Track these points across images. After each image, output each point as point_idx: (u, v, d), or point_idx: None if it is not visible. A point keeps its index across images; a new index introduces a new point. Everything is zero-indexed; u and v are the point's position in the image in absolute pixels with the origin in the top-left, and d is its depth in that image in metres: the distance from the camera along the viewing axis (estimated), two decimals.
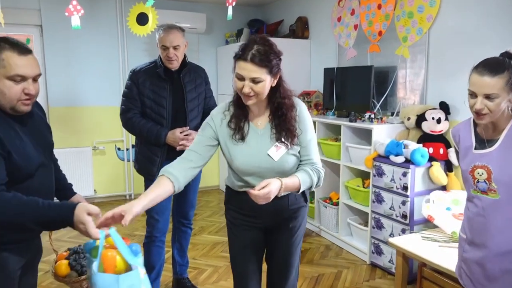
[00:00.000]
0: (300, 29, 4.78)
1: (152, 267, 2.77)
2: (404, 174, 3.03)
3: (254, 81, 1.63)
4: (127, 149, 5.21)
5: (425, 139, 3.19)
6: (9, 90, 1.40)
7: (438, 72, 3.32)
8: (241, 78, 1.64)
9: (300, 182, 1.70)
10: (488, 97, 1.57)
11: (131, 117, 2.64)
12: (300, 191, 1.74)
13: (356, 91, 3.82)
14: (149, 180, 2.72)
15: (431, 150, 3.12)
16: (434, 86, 3.36)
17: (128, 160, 5.24)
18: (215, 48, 5.54)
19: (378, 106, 3.69)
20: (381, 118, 3.51)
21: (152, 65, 2.66)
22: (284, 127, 1.74)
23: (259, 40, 1.65)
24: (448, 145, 3.16)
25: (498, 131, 1.67)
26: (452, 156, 3.10)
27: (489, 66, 1.58)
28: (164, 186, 1.64)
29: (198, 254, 3.69)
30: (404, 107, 3.52)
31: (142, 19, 3.37)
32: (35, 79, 1.46)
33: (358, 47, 4.06)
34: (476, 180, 1.69)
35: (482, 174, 1.67)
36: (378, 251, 3.34)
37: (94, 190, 5.09)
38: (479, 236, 1.71)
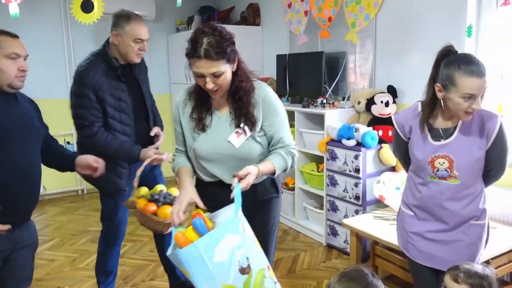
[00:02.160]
0: (252, 16, 4.76)
1: (112, 272, 2.63)
2: (356, 157, 3.12)
3: (215, 75, 1.57)
4: (77, 143, 5.01)
5: (375, 122, 3.30)
6: (8, 68, 1.65)
7: (385, 57, 3.42)
8: (200, 75, 1.58)
9: (274, 167, 1.70)
10: (482, 97, 1.65)
11: (96, 132, 2.20)
12: (276, 175, 1.74)
13: (308, 77, 3.87)
14: (113, 195, 2.39)
15: (380, 132, 3.23)
16: (382, 71, 3.47)
17: None
18: (166, 36, 5.42)
19: (329, 91, 3.76)
20: (333, 103, 3.58)
21: (101, 62, 2.23)
22: (242, 112, 1.69)
23: (207, 31, 1.56)
24: None
25: (451, 121, 1.76)
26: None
27: (479, 67, 1.62)
28: (191, 173, 1.81)
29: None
30: (355, 91, 3.61)
31: (87, 6, 3.23)
32: (25, 59, 1.73)
33: (309, 33, 4.11)
34: (436, 169, 1.78)
35: (444, 163, 1.76)
36: (333, 233, 3.43)
37: (43, 187, 4.87)
38: (433, 215, 1.83)
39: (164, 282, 3.03)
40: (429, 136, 1.79)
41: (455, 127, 1.75)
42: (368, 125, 3.30)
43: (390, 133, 3.26)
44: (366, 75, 3.59)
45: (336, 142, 3.29)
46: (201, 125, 1.71)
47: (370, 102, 3.30)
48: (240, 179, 1.56)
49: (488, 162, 1.76)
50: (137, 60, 2.29)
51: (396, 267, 2.46)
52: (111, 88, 2.21)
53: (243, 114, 1.69)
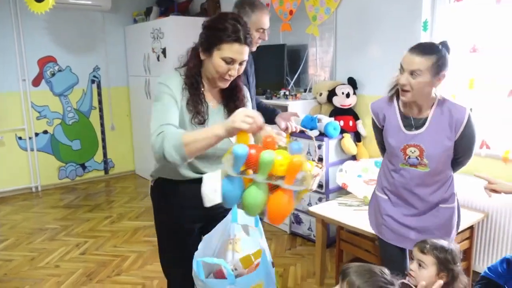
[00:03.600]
0: (212, 8, 4.73)
1: None
2: (319, 147, 3.22)
3: (241, 63, 1.55)
4: (29, 138, 4.80)
5: (336, 112, 3.40)
6: None
7: (345, 49, 3.53)
8: (231, 61, 1.52)
9: None
10: (412, 73, 1.72)
11: None
12: None
13: (270, 70, 3.92)
14: None
15: (341, 123, 3.34)
16: (342, 63, 3.58)
17: (32, 150, 4.83)
18: (123, 28, 5.27)
19: (292, 83, 3.83)
20: (295, 95, 3.65)
21: None
22: (235, 105, 1.66)
23: (239, 19, 1.54)
24: (356, 118, 3.40)
25: (422, 112, 1.85)
26: (361, 128, 3.36)
27: (421, 47, 1.75)
28: None
29: (119, 241, 3.57)
30: (316, 83, 3.70)
31: None
32: None
33: (270, 26, 4.14)
34: (407, 157, 1.88)
35: (414, 151, 1.86)
36: (297, 221, 3.52)
37: None
38: (404, 200, 1.95)
39: (130, 276, 2.99)
40: (401, 125, 1.88)
41: (426, 118, 1.84)
42: (330, 116, 3.40)
43: (351, 123, 3.38)
44: (327, 67, 3.69)
45: (299, 132, 3.37)
46: (199, 118, 1.59)
47: (332, 93, 3.40)
48: None
49: (457, 151, 1.87)
50: (254, 49, 2.17)
51: (361, 250, 2.57)
52: None
53: (234, 109, 1.62)
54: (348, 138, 3.28)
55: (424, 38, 2.91)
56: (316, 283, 2.84)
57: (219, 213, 1.66)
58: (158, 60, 4.60)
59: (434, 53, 1.71)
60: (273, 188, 1.32)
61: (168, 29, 4.42)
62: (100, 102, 5.21)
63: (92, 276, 3.00)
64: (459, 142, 1.83)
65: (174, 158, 1.38)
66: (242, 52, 1.52)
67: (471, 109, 1.81)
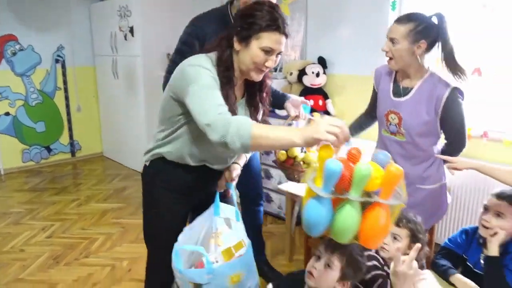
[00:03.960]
0: None
1: None
2: (289, 126, 3.22)
3: (277, 55, 1.49)
4: None
5: (306, 92, 3.41)
6: None
7: (316, 29, 3.53)
8: (270, 51, 1.45)
9: (246, 158, 1.85)
10: (392, 41, 1.79)
11: None
12: None
13: None
14: None
15: (311, 102, 3.35)
16: (312, 43, 3.58)
17: None
18: (88, 5, 5.08)
19: None
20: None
21: (217, 15, 2.09)
22: (260, 101, 1.65)
23: (277, 8, 1.47)
24: (326, 97, 3.43)
25: (411, 82, 1.88)
26: (330, 107, 3.38)
27: (403, 16, 1.81)
28: None
29: (87, 224, 3.50)
30: (286, 63, 3.69)
31: None
32: None
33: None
34: (389, 123, 1.94)
35: (394, 119, 1.91)
36: (268, 200, 3.54)
37: None
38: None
39: (99, 258, 2.95)
40: (391, 91, 1.94)
41: (413, 88, 1.88)
42: (300, 95, 3.40)
43: (320, 102, 3.40)
44: (298, 46, 3.68)
45: (270, 112, 3.35)
46: (232, 110, 1.47)
47: (302, 73, 3.40)
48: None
49: (445, 133, 1.91)
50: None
51: None
52: None
53: (256, 104, 1.64)
54: (318, 117, 3.29)
55: (393, 18, 2.93)
56: (285, 259, 2.88)
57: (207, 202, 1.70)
58: (126, 39, 4.47)
59: (411, 21, 1.76)
60: (364, 207, 1.15)
61: (136, 7, 4.29)
62: (65, 82, 5.03)
63: (59, 259, 2.94)
64: (444, 122, 1.85)
65: (234, 145, 1.27)
66: (281, 42, 1.45)
67: (456, 88, 1.81)
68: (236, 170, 1.74)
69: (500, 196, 1.66)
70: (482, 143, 2.61)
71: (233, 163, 1.74)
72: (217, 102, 1.36)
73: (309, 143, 1.17)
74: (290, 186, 2.81)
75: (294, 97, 2.28)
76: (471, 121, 2.65)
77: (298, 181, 2.24)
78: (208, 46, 1.58)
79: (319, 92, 3.41)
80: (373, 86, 2.09)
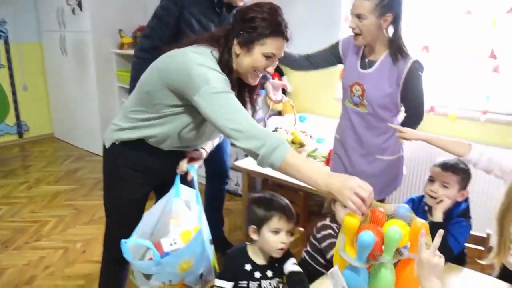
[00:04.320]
0: None
1: None
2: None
3: (279, 58, 1.48)
4: None
5: None
6: None
7: None
8: (271, 56, 1.43)
9: (214, 144, 1.82)
10: (358, 17, 1.80)
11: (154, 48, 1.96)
12: None
13: None
14: None
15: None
16: None
17: None
18: None
19: None
20: None
21: None
22: (244, 100, 1.63)
23: (279, 10, 1.45)
24: (281, 74, 3.43)
25: (376, 54, 1.91)
26: (286, 83, 3.39)
27: None
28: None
29: (38, 207, 3.38)
30: None
31: None
32: None
33: None
34: (352, 94, 1.98)
35: (358, 90, 1.95)
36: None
37: None
38: (347, 138, 2.09)
39: (51, 241, 2.87)
40: (358, 63, 1.96)
41: (377, 61, 1.91)
42: None
43: (276, 80, 3.40)
44: None
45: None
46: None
47: None
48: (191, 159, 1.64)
49: (405, 105, 1.98)
50: (240, 3, 2.09)
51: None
52: (201, 15, 2.06)
53: (244, 102, 1.60)
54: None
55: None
56: (242, 235, 2.91)
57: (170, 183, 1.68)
58: (74, 13, 4.25)
59: None
60: (395, 263, 1.22)
61: None
62: (9, 59, 4.74)
63: (8, 243, 2.83)
64: (404, 95, 1.91)
65: (264, 160, 1.30)
66: (283, 48, 1.45)
67: (417, 61, 1.87)
68: (201, 155, 1.72)
69: (444, 167, 1.73)
70: (429, 117, 2.70)
71: (201, 147, 1.73)
72: (243, 109, 1.38)
73: (328, 194, 1.24)
74: (245, 162, 2.82)
75: (275, 81, 2.32)
76: None
77: None
78: (198, 38, 1.52)
79: (275, 69, 3.41)
80: (337, 49, 2.08)
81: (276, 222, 1.37)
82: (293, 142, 2.63)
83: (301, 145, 2.64)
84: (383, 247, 1.16)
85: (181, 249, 1.50)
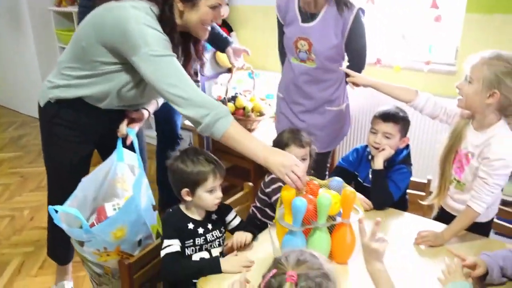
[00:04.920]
0: None
1: None
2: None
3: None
4: None
5: None
6: None
7: None
8: (218, 6, 1.43)
9: (158, 104, 1.76)
10: None
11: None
12: None
13: None
14: None
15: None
16: None
17: None
18: None
19: None
20: None
21: None
22: (189, 54, 1.60)
23: None
24: (230, 30, 3.35)
25: (318, 7, 1.88)
26: (235, 40, 3.32)
27: None
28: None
29: None
30: None
31: None
32: None
33: None
34: (298, 50, 1.95)
35: (304, 45, 1.92)
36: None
37: None
38: (295, 96, 2.09)
39: None
40: (299, 18, 1.92)
41: (320, 12, 1.88)
42: None
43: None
44: None
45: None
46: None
47: None
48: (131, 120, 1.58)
49: (348, 54, 1.99)
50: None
51: (236, 158, 2.66)
52: None
53: (189, 55, 1.59)
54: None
55: None
56: None
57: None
58: None
59: None
60: (331, 229, 1.35)
61: None
62: None
63: None
64: (349, 43, 1.92)
65: (206, 130, 1.35)
66: None
67: (361, 8, 1.88)
68: (142, 116, 1.66)
69: (385, 118, 1.77)
70: (375, 69, 2.75)
71: (142, 107, 1.67)
72: (187, 76, 1.36)
73: (266, 167, 1.33)
74: None
75: (237, 46, 2.29)
76: None
77: (251, 131, 2.37)
78: None
79: (223, 25, 3.31)
80: (278, 20, 2.05)
81: (211, 182, 1.37)
82: (252, 111, 2.59)
83: (261, 114, 2.61)
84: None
85: (112, 217, 1.47)
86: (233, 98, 2.66)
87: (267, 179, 1.73)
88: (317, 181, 1.41)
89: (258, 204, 1.78)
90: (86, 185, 1.57)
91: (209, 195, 1.38)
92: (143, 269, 1.48)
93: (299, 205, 1.25)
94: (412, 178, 1.89)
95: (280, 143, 1.65)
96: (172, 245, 1.33)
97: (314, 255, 0.89)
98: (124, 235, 1.48)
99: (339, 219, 1.35)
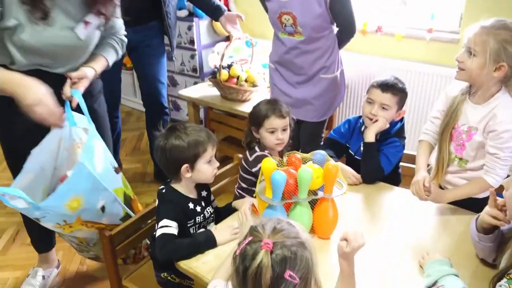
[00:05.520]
0: None
1: None
2: (189, 28, 3.05)
3: None
4: None
5: None
6: None
7: None
8: None
9: (108, 63, 1.56)
10: None
11: None
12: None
13: None
14: None
15: None
16: None
17: None
18: None
19: None
20: None
21: None
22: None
23: None
24: None
25: None
26: (232, 6, 3.22)
27: None
28: None
29: None
30: None
31: None
32: None
33: None
34: (284, 25, 1.93)
35: (288, 19, 1.89)
36: (176, 108, 3.46)
37: None
38: (288, 69, 2.07)
39: None
40: None
41: None
42: None
43: (222, 0, 3.21)
44: None
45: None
46: (40, 12, 1.29)
47: None
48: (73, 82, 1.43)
49: (336, 21, 1.95)
50: None
51: (231, 128, 2.63)
52: None
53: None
54: None
55: None
56: None
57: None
58: None
59: None
60: (313, 204, 1.32)
61: None
62: None
63: None
64: (333, 11, 1.88)
65: None
66: None
67: None
68: (84, 75, 1.46)
69: (384, 88, 1.68)
70: (376, 38, 2.65)
71: (84, 66, 1.49)
72: None
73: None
74: (190, 91, 2.74)
75: (229, 13, 2.27)
76: (366, 17, 2.68)
77: (243, 101, 2.36)
78: None
79: None
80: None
81: (210, 151, 1.35)
82: (246, 81, 2.53)
83: (254, 85, 2.54)
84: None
85: (60, 189, 1.36)
86: (229, 67, 2.60)
87: (250, 158, 1.66)
88: (299, 155, 1.37)
89: (243, 185, 1.71)
90: (39, 157, 1.46)
91: (209, 166, 1.36)
92: (127, 240, 1.47)
93: (278, 179, 1.21)
94: (406, 151, 1.84)
95: (258, 115, 1.61)
96: (171, 227, 1.29)
97: (291, 223, 0.87)
98: (82, 205, 1.41)
99: (321, 194, 1.32)
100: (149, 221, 1.54)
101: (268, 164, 1.28)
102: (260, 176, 1.33)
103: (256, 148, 1.66)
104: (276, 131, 1.60)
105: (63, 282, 2.03)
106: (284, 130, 1.61)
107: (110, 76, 1.88)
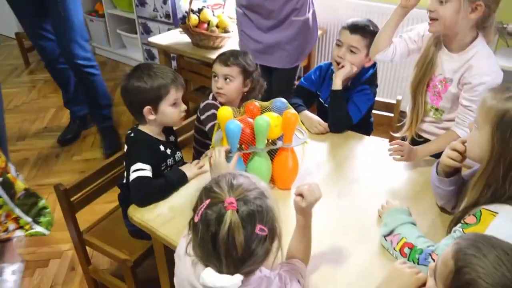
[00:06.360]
0: None
1: None
2: None
3: None
4: None
5: None
6: None
7: None
8: None
9: None
10: None
11: None
12: None
13: None
14: None
15: None
16: None
17: None
18: None
19: None
20: None
21: None
22: None
23: None
24: None
25: None
26: None
27: None
28: None
29: None
30: None
31: None
32: None
33: None
34: None
35: None
36: (150, 56, 3.34)
37: None
38: (258, 14, 1.97)
39: None
40: None
41: None
42: None
43: None
44: None
45: None
46: None
47: None
48: None
49: None
50: None
51: (204, 78, 2.53)
52: None
53: None
54: None
55: None
56: None
57: None
58: None
59: None
60: (273, 154, 1.26)
61: None
62: None
63: None
64: None
65: None
66: None
67: None
68: None
69: (353, 29, 1.58)
70: None
71: None
72: None
73: None
74: (160, 38, 2.61)
75: None
76: None
77: (216, 48, 2.27)
78: None
79: None
80: None
81: (174, 94, 1.31)
82: (217, 26, 2.39)
83: (226, 30, 2.41)
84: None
85: None
86: (199, 11, 2.45)
87: (202, 104, 1.60)
88: (257, 103, 1.29)
89: (198, 136, 1.66)
90: None
91: (174, 108, 1.32)
92: (83, 191, 1.43)
93: (232, 128, 1.15)
94: (380, 98, 1.77)
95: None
96: (145, 170, 1.25)
97: (245, 175, 0.81)
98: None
99: (279, 143, 1.26)
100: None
101: (224, 112, 1.21)
102: (217, 127, 1.27)
103: (210, 95, 1.60)
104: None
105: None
106: (226, 78, 1.53)
107: None
